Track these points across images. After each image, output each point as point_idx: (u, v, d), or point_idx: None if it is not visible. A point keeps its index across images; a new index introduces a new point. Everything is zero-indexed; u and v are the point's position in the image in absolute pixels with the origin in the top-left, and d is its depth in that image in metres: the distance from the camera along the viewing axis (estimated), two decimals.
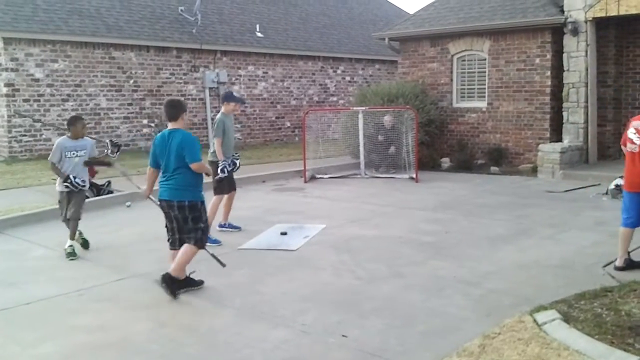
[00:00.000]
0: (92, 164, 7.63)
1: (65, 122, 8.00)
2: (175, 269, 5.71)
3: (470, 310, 5.23)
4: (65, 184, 7.19)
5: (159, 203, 5.94)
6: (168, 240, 6.02)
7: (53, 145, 7.53)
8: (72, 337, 4.85)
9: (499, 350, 4.26)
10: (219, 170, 7.85)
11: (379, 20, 26.58)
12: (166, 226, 5.98)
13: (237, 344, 4.65)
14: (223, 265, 6.16)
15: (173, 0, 19.71)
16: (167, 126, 5.91)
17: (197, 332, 4.88)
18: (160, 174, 5.91)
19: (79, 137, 7.39)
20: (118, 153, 8.25)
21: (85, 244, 7.47)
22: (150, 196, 6.36)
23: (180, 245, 5.86)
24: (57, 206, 7.57)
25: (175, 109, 5.87)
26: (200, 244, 5.90)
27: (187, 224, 5.81)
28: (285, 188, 12.32)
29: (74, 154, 7.29)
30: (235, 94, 8.35)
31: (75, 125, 7.42)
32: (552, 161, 12.70)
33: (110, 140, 8.34)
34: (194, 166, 5.75)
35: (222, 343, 4.68)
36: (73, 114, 16.37)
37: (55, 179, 7.49)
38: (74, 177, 7.18)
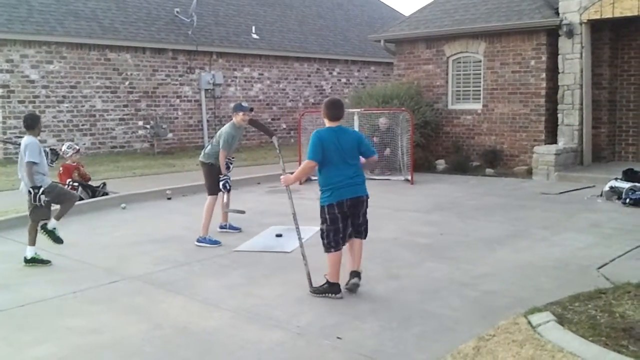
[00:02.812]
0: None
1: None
2: (359, 262, 5.87)
3: (465, 312, 5.24)
4: (34, 193, 6.68)
5: (341, 203, 5.61)
6: (333, 243, 5.70)
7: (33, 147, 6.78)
8: (66, 339, 4.84)
9: (493, 352, 4.27)
10: (221, 186, 7.88)
11: (375, 22, 26.63)
12: (333, 229, 5.65)
13: (232, 345, 4.65)
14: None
15: (169, 2, 19.71)
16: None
17: (191, 334, 4.87)
18: (334, 171, 5.61)
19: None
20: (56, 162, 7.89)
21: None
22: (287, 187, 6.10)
23: (348, 239, 5.81)
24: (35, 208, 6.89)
25: (342, 110, 5.78)
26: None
27: (365, 217, 5.85)
28: (280, 190, 12.27)
29: (44, 155, 6.94)
30: (243, 104, 8.26)
31: (39, 123, 7.02)
32: (547, 163, 12.74)
33: (51, 149, 7.63)
34: (374, 158, 5.94)
35: (217, 345, 4.68)
36: (68, 116, 16.42)
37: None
38: (42, 192, 6.73)
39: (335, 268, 5.69)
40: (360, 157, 5.82)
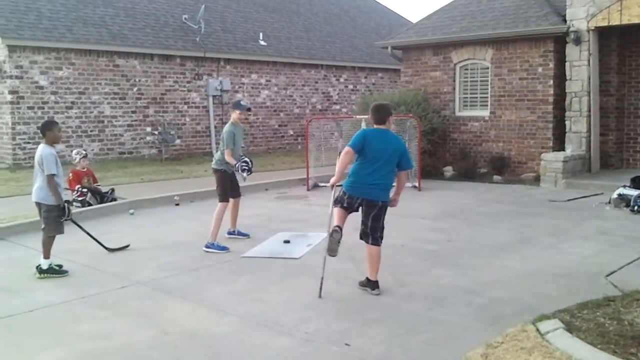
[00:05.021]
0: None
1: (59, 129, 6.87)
2: (376, 273, 5.97)
3: (473, 319, 5.23)
4: (67, 209, 6.69)
5: (348, 195, 5.98)
6: (333, 204, 6.13)
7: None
8: (75, 344, 4.86)
9: None
10: (240, 169, 7.86)
11: (382, 29, 26.68)
12: (338, 200, 6.09)
13: (240, 352, 4.66)
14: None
15: (177, 9, 19.82)
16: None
17: (199, 340, 4.89)
18: (366, 168, 5.89)
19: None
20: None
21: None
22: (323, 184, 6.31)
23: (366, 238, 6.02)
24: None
25: (384, 114, 6.04)
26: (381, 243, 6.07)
27: (379, 222, 5.98)
28: (288, 196, 12.34)
29: (59, 166, 6.75)
30: (242, 102, 8.36)
31: (53, 130, 6.79)
32: (555, 170, 12.71)
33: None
34: (406, 173, 6.17)
35: (225, 351, 4.69)
36: (77, 122, 16.51)
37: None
38: (69, 204, 6.70)
39: (337, 215, 6.03)
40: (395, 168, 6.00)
